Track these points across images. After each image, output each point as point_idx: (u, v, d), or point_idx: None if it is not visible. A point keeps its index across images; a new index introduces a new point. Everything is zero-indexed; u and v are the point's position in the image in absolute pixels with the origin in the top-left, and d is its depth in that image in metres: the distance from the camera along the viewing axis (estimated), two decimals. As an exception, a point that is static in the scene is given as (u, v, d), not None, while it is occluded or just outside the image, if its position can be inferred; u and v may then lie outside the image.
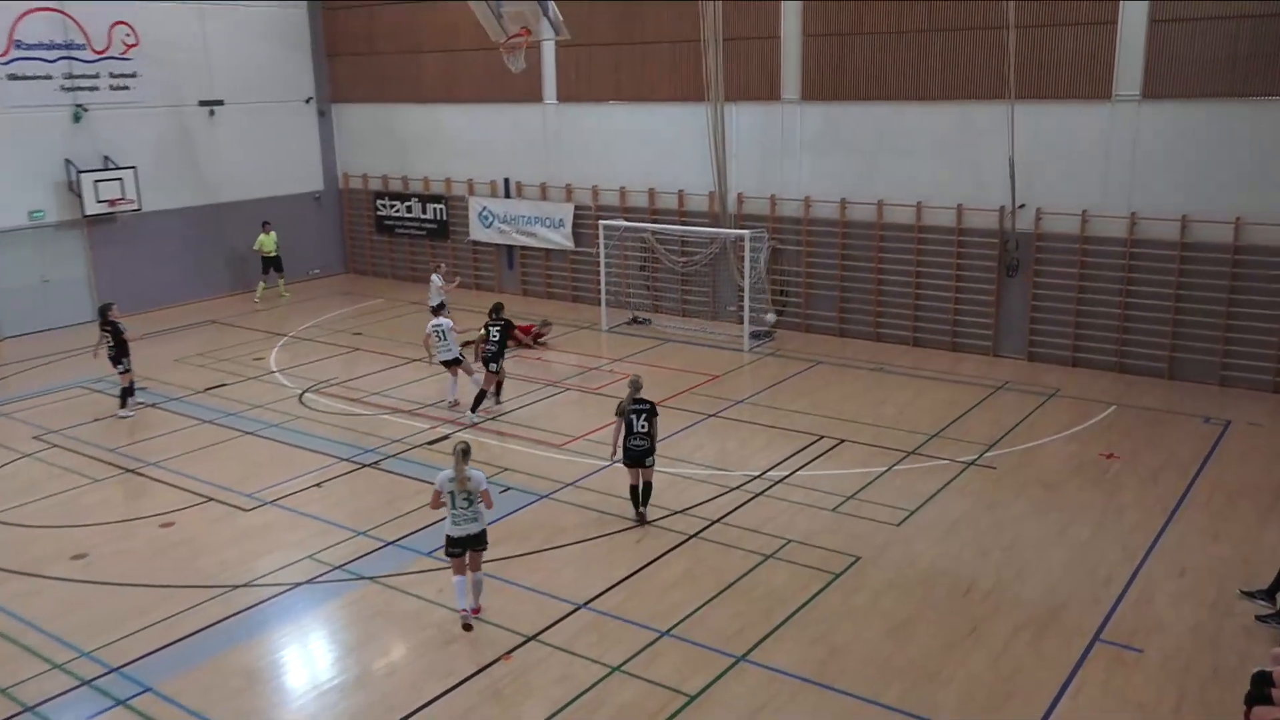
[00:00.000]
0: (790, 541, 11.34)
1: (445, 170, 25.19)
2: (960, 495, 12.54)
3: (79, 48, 22.07)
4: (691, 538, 11.52)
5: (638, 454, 11.80)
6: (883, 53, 18.61)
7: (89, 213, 22.08)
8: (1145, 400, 15.87)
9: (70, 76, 21.99)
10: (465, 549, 9.81)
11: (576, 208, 22.90)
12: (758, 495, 12.63)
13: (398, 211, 26.15)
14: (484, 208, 24.35)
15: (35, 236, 21.87)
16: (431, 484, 10.11)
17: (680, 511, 12.17)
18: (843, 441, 14.34)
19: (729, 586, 10.44)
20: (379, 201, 26.51)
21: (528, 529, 11.87)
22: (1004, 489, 12.70)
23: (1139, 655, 9.16)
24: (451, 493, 9.71)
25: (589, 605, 10.16)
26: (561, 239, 23.22)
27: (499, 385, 16.28)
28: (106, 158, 22.56)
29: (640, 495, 11.96)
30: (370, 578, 10.83)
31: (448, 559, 9.95)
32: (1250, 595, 10.01)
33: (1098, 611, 9.86)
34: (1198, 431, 14.53)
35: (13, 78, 21.14)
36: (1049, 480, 12.92)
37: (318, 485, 13.31)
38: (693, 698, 8.69)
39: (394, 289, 25.55)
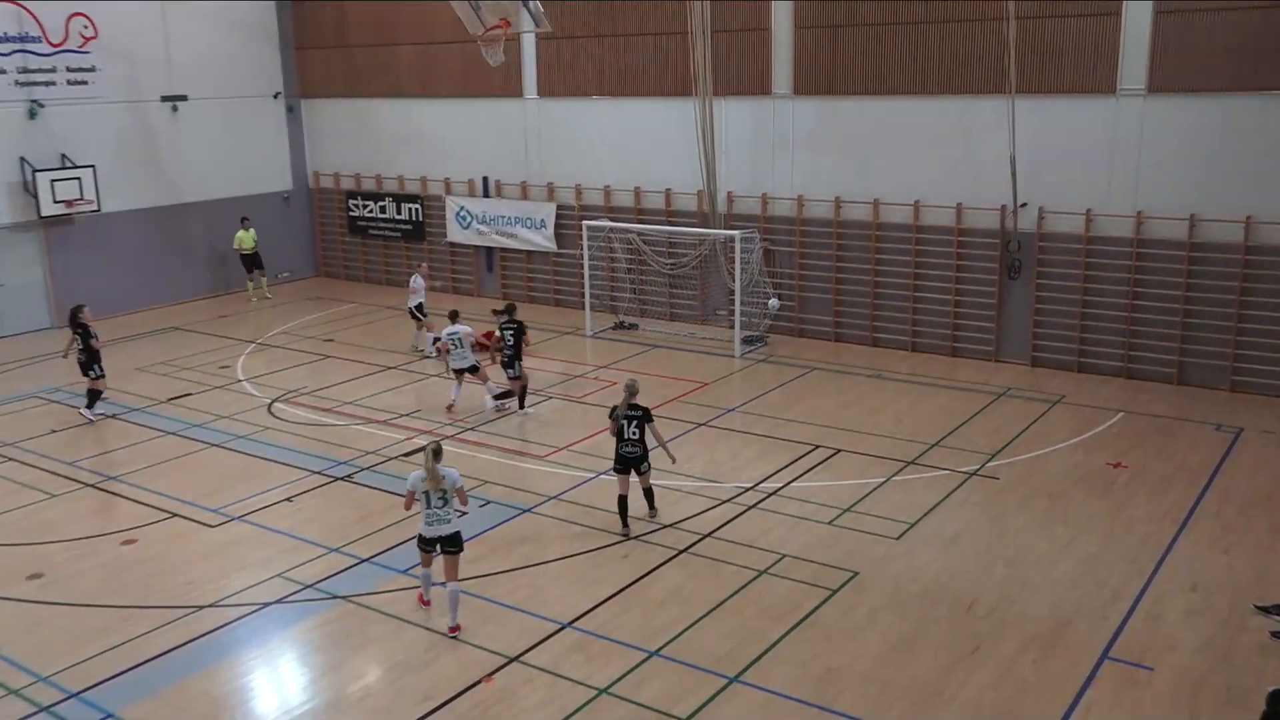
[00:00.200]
0: (785, 556, 11.34)
1: (421, 169, 25.16)
2: (962, 507, 12.57)
3: (34, 40, 21.95)
4: (681, 553, 11.51)
5: (629, 461, 11.91)
6: (878, 45, 18.68)
7: (45, 214, 21.94)
8: (1153, 407, 15.96)
9: (25, 71, 21.86)
10: (435, 547, 10.09)
11: (559, 208, 22.90)
12: (750, 508, 12.62)
13: (371, 212, 26.09)
14: (461, 208, 24.32)
15: (-12, 239, 21.77)
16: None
17: (670, 525, 12.16)
18: (839, 451, 14.36)
19: (721, 604, 10.43)
20: (351, 201, 26.45)
21: (509, 544, 11.84)
22: (1007, 500, 12.74)
23: (1149, 674, 9.19)
24: (426, 492, 9.96)
25: (574, 624, 10.13)
26: (543, 240, 23.21)
27: (523, 391, 16.30)
28: (64, 156, 22.43)
29: (647, 499, 12.22)
30: (344, 597, 10.77)
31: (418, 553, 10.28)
32: (1265, 610, 10.06)
33: (1106, 628, 9.89)
34: (1208, 439, 14.61)
35: (-36, 72, 21.06)
36: (1054, 491, 12.97)
37: (288, 500, 13.24)
38: (684, 721, 8.68)
39: (367, 293, 25.48)
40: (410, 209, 25.32)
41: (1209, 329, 16.62)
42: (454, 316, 16.70)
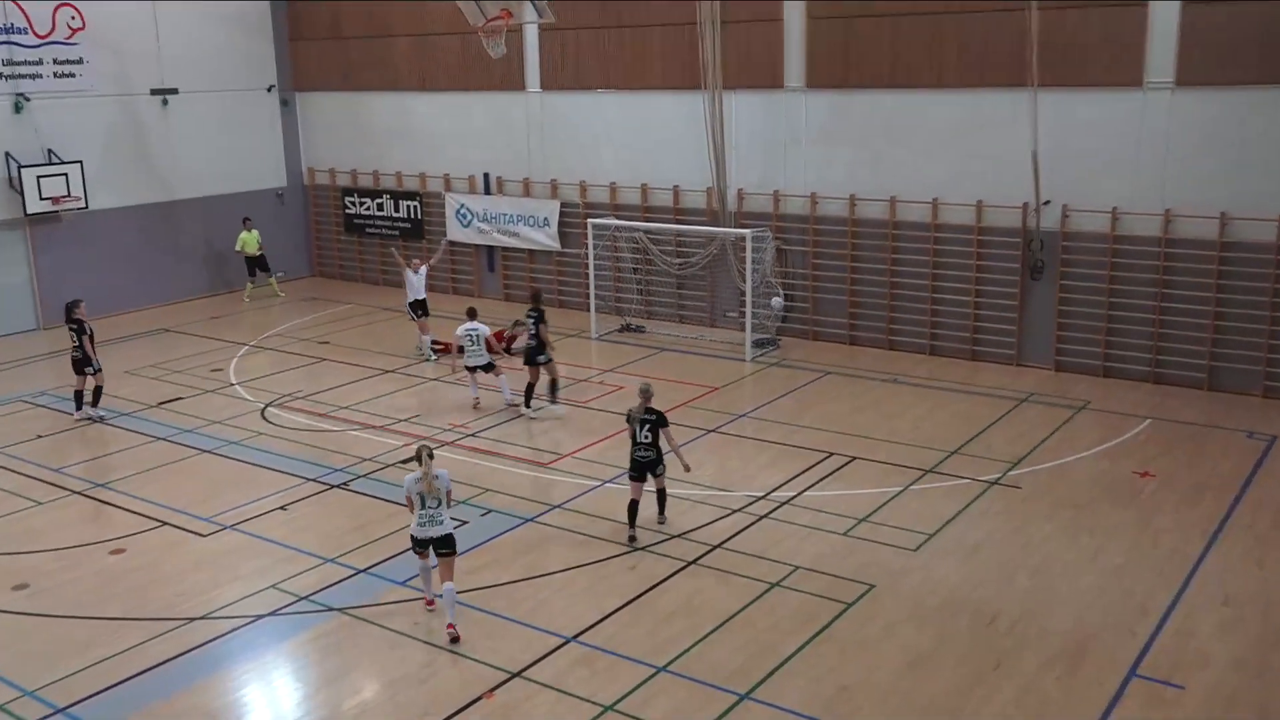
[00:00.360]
0: (798, 568, 11.34)
1: (419, 165, 25.20)
2: (983, 517, 12.56)
3: (20, 32, 22.04)
4: (690, 564, 11.51)
5: (643, 465, 12.02)
6: (894, 36, 18.68)
7: (31, 211, 22.02)
8: (1183, 413, 15.92)
9: (10, 63, 21.95)
10: (430, 548, 10.42)
11: (563, 205, 22.92)
12: (762, 518, 12.62)
13: (368, 209, 26.14)
14: (462, 205, 24.36)
15: (-29, 237, 21.85)
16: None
17: (678, 535, 12.16)
18: (854, 459, 14.35)
19: (731, 617, 10.42)
20: (348, 198, 26.51)
21: (511, 555, 11.85)
22: (1030, 510, 12.72)
23: (1179, 692, 9.16)
24: (421, 494, 10.28)
25: (579, 638, 10.12)
26: (546, 239, 23.24)
27: (553, 383, 16.48)
28: (50, 151, 22.51)
29: (659, 503, 12.32)
30: (339, 609, 10.79)
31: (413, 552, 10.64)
32: (1298, 625, 10.03)
33: (1134, 644, 9.87)
34: (1240, 447, 14.58)
35: (-53, 64, 21.15)
36: (1079, 501, 12.94)
37: (282, 508, 13.27)
38: (693, 739, 8.68)
39: (364, 293, 25.53)
40: (409, 206, 25.36)
41: (1241, 332, 16.58)
42: (472, 314, 16.91)
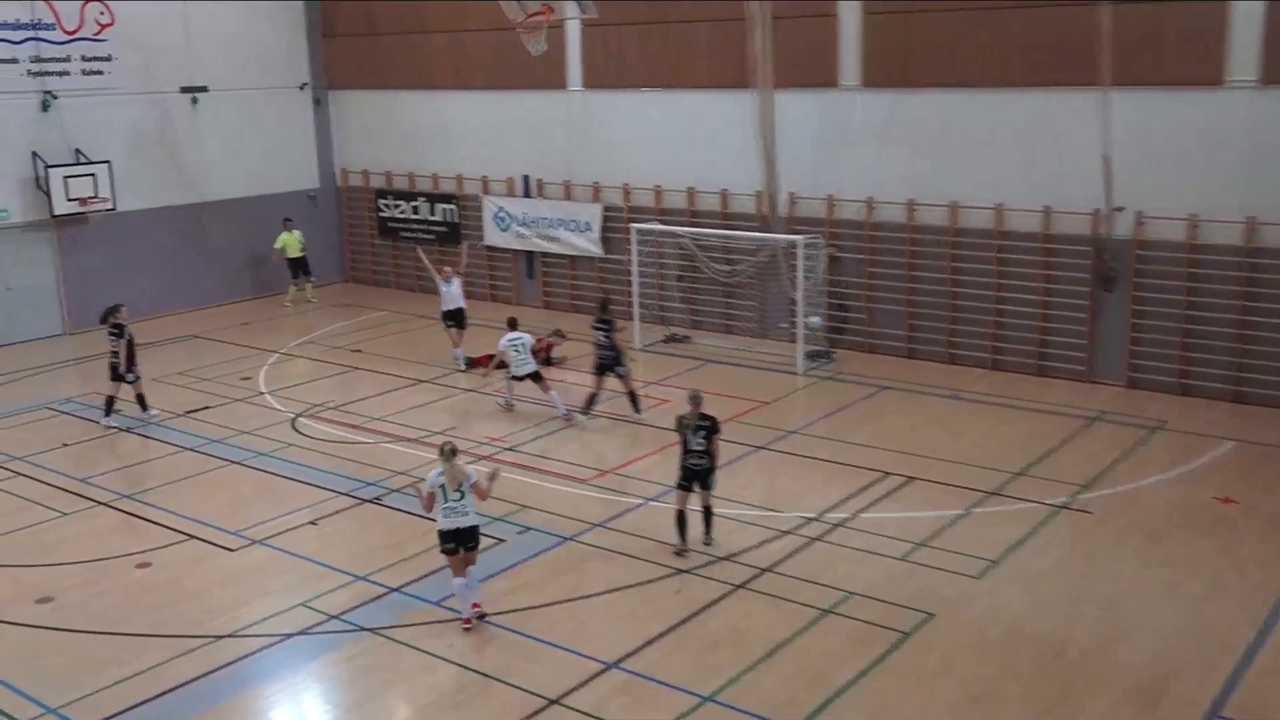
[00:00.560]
0: (852, 594, 11.27)
1: (456, 166, 25.39)
2: (1050, 543, 12.42)
3: (48, 28, 22.51)
4: (738, 588, 11.47)
5: (696, 473, 12.07)
6: (956, 32, 18.58)
7: (58, 212, 22.44)
8: (1267, 435, 15.66)
9: (38, 60, 22.41)
10: (458, 545, 10.80)
11: (605, 209, 22.99)
12: (814, 540, 12.56)
13: (402, 212, 26.38)
14: (500, 208, 24.51)
15: (-3, 239, 22.30)
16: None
17: (725, 558, 12.13)
18: (912, 479, 14.25)
19: (781, 646, 10.37)
20: (381, 201, 26.76)
21: (550, 575, 11.88)
22: (1101, 537, 12.56)
23: (1262, 732, 9.00)
24: (442, 486, 10.80)
25: (620, 665, 10.12)
26: (588, 244, 23.32)
27: (632, 395, 16.66)
28: (78, 151, 22.94)
29: (705, 522, 12.27)
30: (371, 629, 10.86)
31: (443, 557, 10.95)
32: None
33: (1214, 681, 9.70)
34: (1327, 471, 14.33)
35: (-25, 62, 21.62)
36: (1154, 528, 12.76)
37: (312, 523, 13.40)
38: (741, 774, 8.65)
39: (398, 300, 25.75)
40: (445, 210, 25.56)
41: (1328, 348, 16.29)
42: (513, 324, 17.25)
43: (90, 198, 22.78)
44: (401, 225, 26.46)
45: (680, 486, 12.23)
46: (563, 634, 10.66)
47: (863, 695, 9.58)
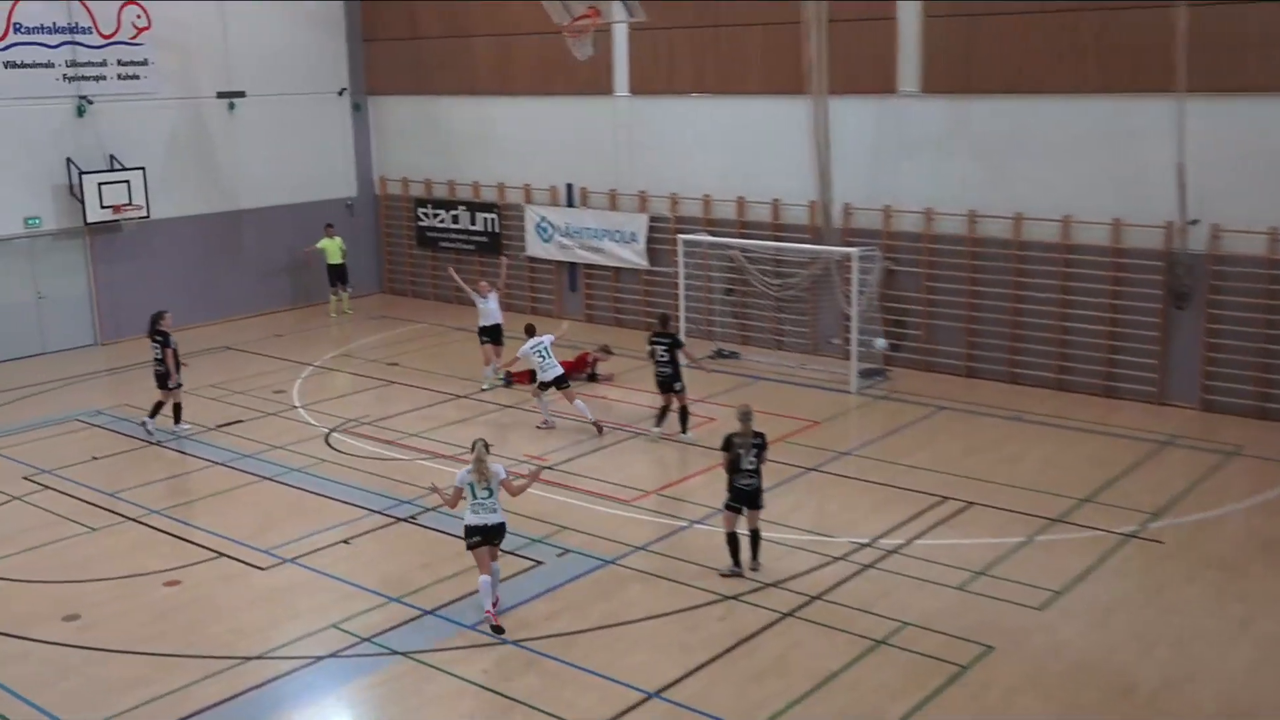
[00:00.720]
0: (906, 625, 11.19)
1: (498, 174, 25.60)
2: (1117, 575, 12.27)
3: (84, 31, 23.00)
4: (786, 616, 11.43)
5: (749, 495, 12.11)
6: (1021, 36, 18.48)
7: (91, 220, 22.86)
8: (1350, 462, 15.39)
9: (73, 64, 22.90)
10: (484, 540, 11.27)
11: (651, 219, 23.07)
12: (866, 567, 12.50)
13: (442, 222, 26.62)
14: (542, 218, 24.66)
15: (30, 247, 22.74)
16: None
17: (773, 584, 12.10)
18: (971, 505, 14.14)
19: (831, 678, 10.31)
20: (420, 210, 27.02)
21: (589, 600, 11.89)
22: (1172, 569, 12.38)
23: (1345, 780, 8.81)
24: (471, 484, 11.27)
25: (661, 694, 10.11)
26: (633, 256, 23.39)
27: (684, 412, 16.73)
28: (112, 157, 23.39)
29: (752, 546, 12.27)
30: (403, 653, 10.93)
31: (469, 552, 11.44)
32: None
33: (1291, 723, 9.53)
34: None
35: (10, 65, 22.09)
36: (1229, 560, 12.57)
37: (345, 542, 13.52)
38: (787, 811, 8.61)
39: (436, 312, 25.96)
40: (486, 219, 25.75)
41: None
42: (531, 330, 17.68)
43: (124, 205, 23.20)
44: (441, 235, 26.69)
45: (730, 508, 12.23)
46: (602, 661, 10.66)
47: (916, 732, 9.51)
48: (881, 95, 19.96)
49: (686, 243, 21.23)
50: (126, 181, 23.24)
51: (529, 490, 12.76)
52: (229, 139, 25.39)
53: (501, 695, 10.16)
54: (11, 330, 22.53)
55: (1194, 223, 17.27)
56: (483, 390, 19.43)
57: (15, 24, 22.09)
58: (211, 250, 25.22)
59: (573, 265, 24.61)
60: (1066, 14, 18.04)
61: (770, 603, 11.71)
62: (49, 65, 22.60)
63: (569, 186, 24.43)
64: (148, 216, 23.66)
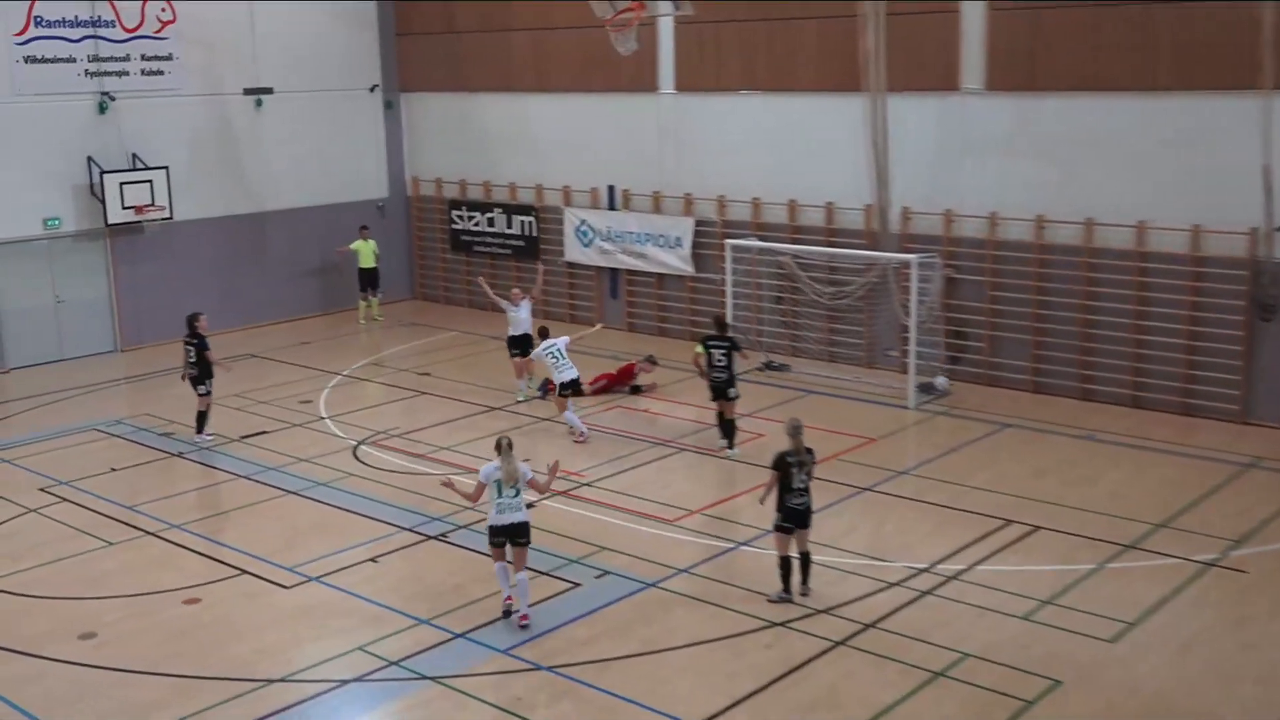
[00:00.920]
0: (967, 656, 11.10)
1: (536, 175, 25.71)
2: (1196, 606, 12.13)
3: (107, 25, 23.36)
4: (838, 645, 11.38)
5: (801, 515, 12.10)
6: (1093, 32, 18.35)
7: (112, 221, 23.18)
8: None
9: (96, 59, 23.25)
10: (506, 539, 11.81)
11: (697, 223, 23.08)
12: (924, 594, 12.42)
13: (477, 224, 26.77)
14: (583, 222, 24.74)
15: (49, 249, 23.09)
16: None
17: (824, 611, 12.04)
18: (1037, 529, 14.02)
19: (885, 712, 10.25)
20: (455, 212, 27.19)
21: (628, 625, 11.88)
22: (1256, 600, 12.22)
23: None
24: (497, 482, 11.74)
25: (706, 726, 10.09)
26: (678, 262, 23.41)
27: (731, 426, 16.89)
28: (134, 156, 23.71)
29: (802, 569, 12.28)
30: (432, 678, 10.96)
31: (489, 549, 12.05)
32: None
33: (1387, 769, 9.34)
34: None
35: (30, 60, 22.48)
36: (1317, 590, 12.38)
37: (373, 560, 13.60)
38: None
39: (469, 319, 26.08)
40: (523, 222, 25.87)
41: None
42: (544, 333, 18.15)
43: (146, 206, 23.50)
44: (475, 239, 26.83)
45: (780, 529, 12.20)
46: (641, 689, 10.64)
47: (978, 770, 9.42)
48: (943, 92, 19.87)
49: (734, 248, 21.22)
50: (149, 181, 23.55)
51: (567, 508, 12.75)
52: (255, 138, 25.68)
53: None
54: (29, 335, 22.87)
55: (1280, 229, 17.09)
56: (517, 402, 19.49)
57: (36, 17, 22.48)
58: (236, 253, 25.49)
59: (614, 271, 24.66)
60: (1140, 6, 17.88)
61: (821, 630, 11.65)
62: (70, 60, 22.96)
63: (610, 188, 24.49)
64: (170, 218, 23.95)
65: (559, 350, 17.71)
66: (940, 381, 19.45)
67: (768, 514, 12.41)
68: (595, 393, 19.76)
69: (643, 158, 23.89)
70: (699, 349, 17.08)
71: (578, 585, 12.73)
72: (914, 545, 13.67)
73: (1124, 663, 10.98)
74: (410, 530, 14.40)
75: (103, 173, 23.08)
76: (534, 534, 13.47)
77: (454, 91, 26.98)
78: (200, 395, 17.86)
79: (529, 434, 17.98)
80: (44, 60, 22.65)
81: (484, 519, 14.45)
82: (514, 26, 25.47)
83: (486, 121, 26.52)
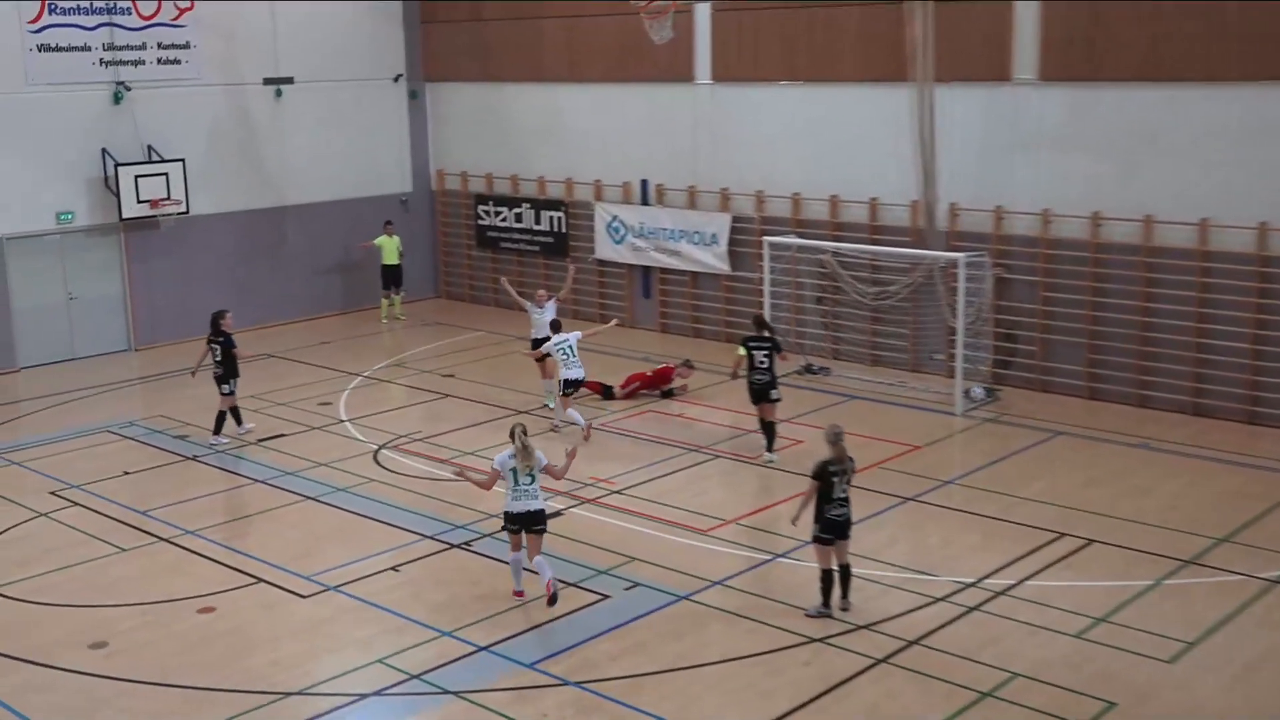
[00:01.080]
0: (1016, 676, 11.04)
1: (566, 168, 25.77)
2: (1261, 625, 12.01)
3: (123, 12, 23.58)
4: (880, 662, 11.34)
5: (842, 526, 12.09)
6: (1154, 18, 18.22)
7: (127, 215, 23.39)
8: None
9: (111, 48, 23.47)
10: (522, 526, 12.32)
11: (734, 220, 23.07)
12: (970, 610, 12.36)
13: (504, 220, 26.85)
14: (614, 217, 24.77)
15: (62, 244, 23.33)
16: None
17: (865, 626, 12.01)
18: (1090, 542, 13.94)
19: (931, 732, 10.22)
20: (481, 207, 27.29)
21: (659, 639, 11.88)
22: (1323, 619, 12.09)
23: None
24: (514, 470, 12.26)
25: (740, 746, 10.09)
26: (714, 260, 23.40)
27: (771, 429, 16.96)
28: (150, 148, 23.92)
29: (842, 583, 12.25)
30: (455, 692, 10.99)
31: (505, 535, 12.63)
32: None
33: None
34: None
35: (44, 48, 22.73)
36: (1390, 609, 12.24)
37: (394, 569, 13.65)
38: None
39: (496, 319, 26.15)
40: (552, 218, 25.93)
41: None
42: (556, 327, 18.34)
43: (162, 199, 23.69)
44: (502, 235, 26.92)
45: (820, 540, 12.16)
46: (673, 707, 10.64)
47: (1027, 796, 9.37)
48: (994, 83, 19.78)
49: (773, 246, 21.20)
50: (165, 174, 23.74)
51: (596, 516, 12.77)
52: (275, 129, 25.86)
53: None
54: (40, 333, 23.10)
55: (1352, 227, 16.93)
56: (546, 406, 19.52)
57: (51, 4, 22.70)
58: (254, 249, 25.67)
59: (646, 270, 24.68)
60: (1206, -9, 17.79)
61: (862, 647, 11.61)
62: (85, 49, 23.19)
63: (644, 183, 24.51)
64: (187, 212, 24.15)
65: (570, 346, 17.92)
66: (975, 391, 19.29)
67: (805, 524, 12.37)
68: (628, 395, 19.80)
69: (677, 151, 23.89)
70: (740, 351, 17.10)
71: (606, 597, 12.73)
72: (960, 558, 13.61)
73: (1183, 685, 10.89)
74: (433, 538, 14.44)
75: (117, 165, 23.27)
76: (561, 544, 13.63)
77: (481, 81, 27.07)
78: (223, 395, 18.02)
79: (551, 440, 18.01)
80: (58, 49, 22.87)
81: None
82: (545, 14, 25.53)
83: (515, 113, 26.59)
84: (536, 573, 12.30)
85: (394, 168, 27.87)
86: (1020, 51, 19.52)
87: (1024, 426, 18.22)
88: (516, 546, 12.47)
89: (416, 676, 11.28)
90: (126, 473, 17.09)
